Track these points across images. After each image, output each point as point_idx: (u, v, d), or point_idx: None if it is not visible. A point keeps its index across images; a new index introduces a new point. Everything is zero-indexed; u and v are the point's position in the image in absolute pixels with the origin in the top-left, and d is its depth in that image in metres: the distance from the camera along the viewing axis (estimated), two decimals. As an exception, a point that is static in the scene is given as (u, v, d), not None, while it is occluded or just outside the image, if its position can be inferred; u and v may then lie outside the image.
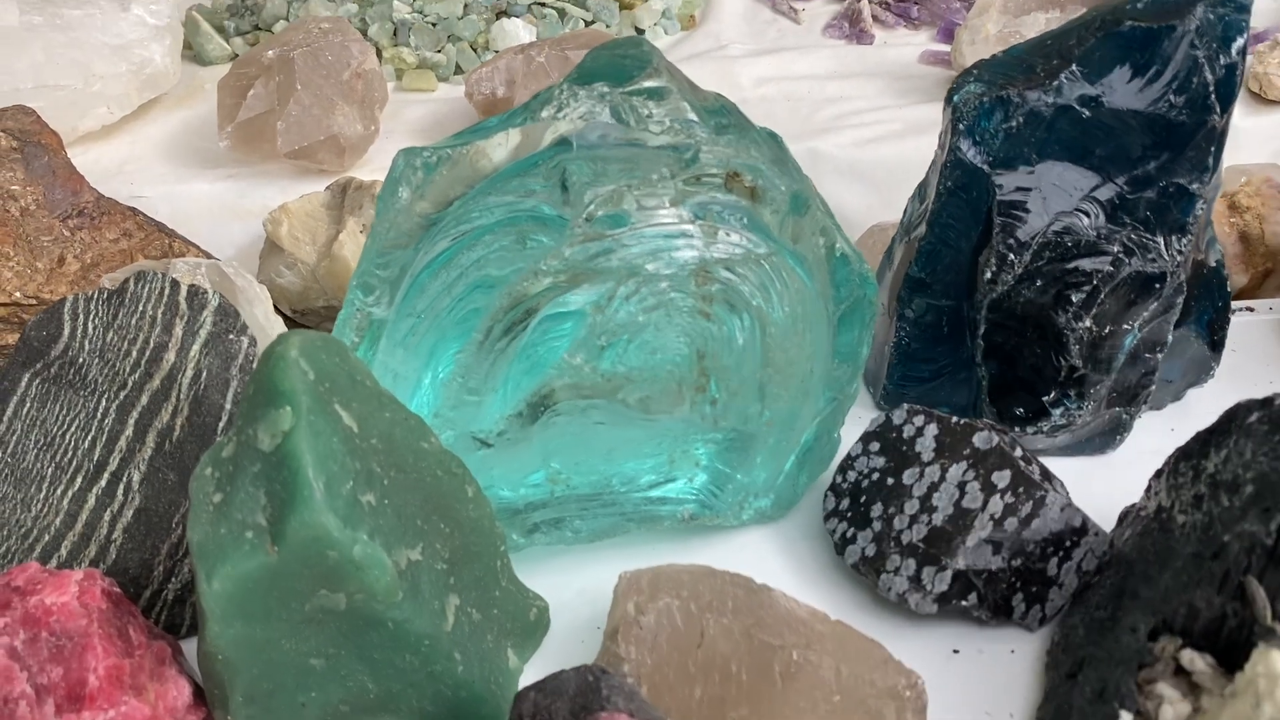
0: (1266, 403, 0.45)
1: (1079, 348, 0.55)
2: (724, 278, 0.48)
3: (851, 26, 0.98)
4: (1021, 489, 0.49)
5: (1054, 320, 0.55)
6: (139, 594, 0.50)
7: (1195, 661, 0.41)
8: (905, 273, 0.59)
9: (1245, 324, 0.69)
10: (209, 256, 0.72)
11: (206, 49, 0.96)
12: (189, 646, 0.48)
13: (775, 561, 0.54)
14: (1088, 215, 0.55)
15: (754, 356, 0.50)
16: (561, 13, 0.95)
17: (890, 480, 0.52)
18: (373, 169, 0.80)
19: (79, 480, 0.52)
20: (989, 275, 0.56)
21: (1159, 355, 0.57)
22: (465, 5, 0.94)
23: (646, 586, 0.46)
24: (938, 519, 0.49)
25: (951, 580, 0.49)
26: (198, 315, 0.53)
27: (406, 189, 0.47)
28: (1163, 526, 0.47)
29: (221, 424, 0.51)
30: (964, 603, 0.49)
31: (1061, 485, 0.52)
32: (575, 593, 0.52)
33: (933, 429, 0.52)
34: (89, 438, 0.52)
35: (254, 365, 0.46)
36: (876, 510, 0.52)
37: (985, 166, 0.55)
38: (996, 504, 0.49)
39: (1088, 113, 0.54)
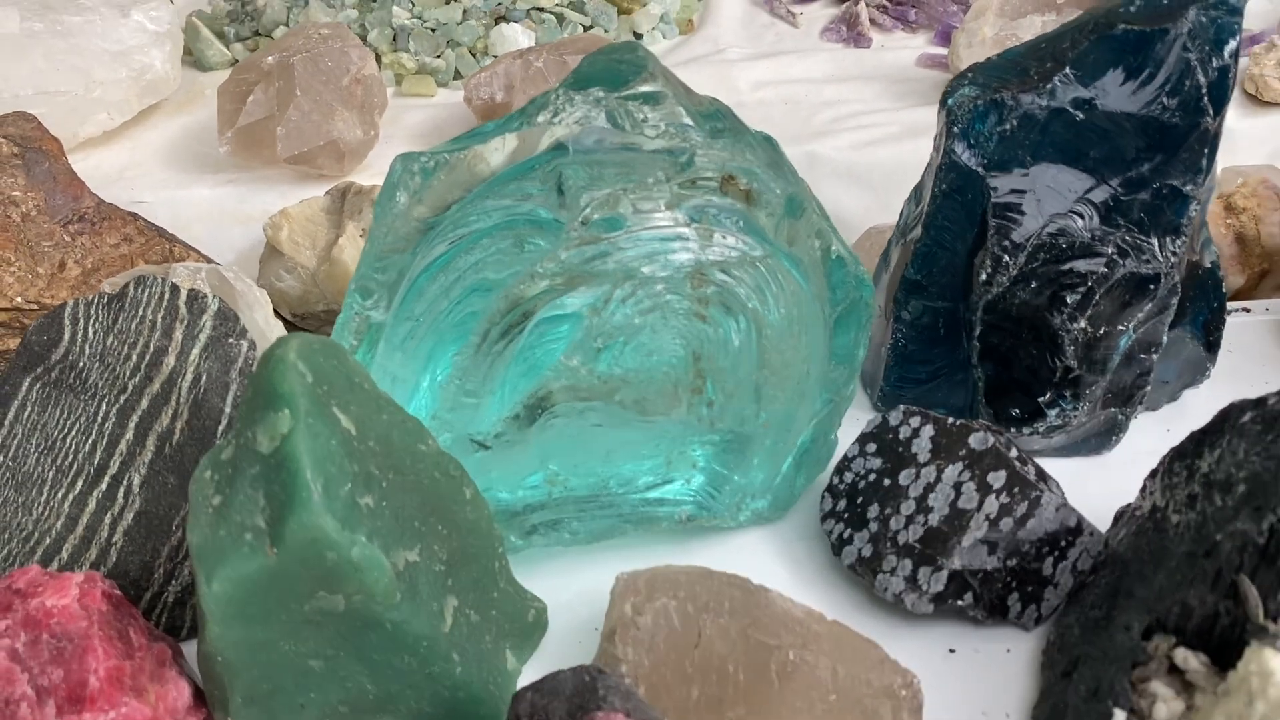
0: (1260, 403, 0.45)
1: (1074, 349, 0.55)
2: (719, 280, 0.48)
3: (849, 30, 0.99)
4: (1017, 489, 0.49)
5: (1049, 321, 0.55)
6: (139, 596, 0.50)
7: (1189, 660, 0.41)
8: (901, 275, 0.59)
9: (1241, 325, 0.69)
10: (209, 261, 0.72)
11: (207, 55, 0.97)
12: (190, 649, 0.48)
13: (772, 562, 0.55)
14: (1082, 217, 0.55)
15: (750, 358, 0.50)
16: (560, 18, 0.96)
17: (887, 481, 0.52)
18: (372, 174, 0.81)
19: (80, 484, 0.52)
20: (984, 277, 0.56)
21: (1154, 356, 0.58)
22: (464, 11, 0.94)
23: (644, 587, 0.46)
24: (934, 519, 0.50)
25: (947, 580, 0.49)
26: (197, 319, 0.53)
27: (404, 194, 0.47)
28: (1157, 526, 0.47)
29: (221, 427, 0.52)
30: (960, 602, 0.50)
31: (1057, 485, 0.52)
32: (573, 594, 0.52)
33: (929, 430, 0.52)
34: (89, 441, 0.53)
35: (253, 369, 0.47)
36: (873, 511, 0.52)
37: (980, 169, 0.55)
38: (992, 504, 0.49)
39: (1081, 115, 0.54)
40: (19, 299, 0.65)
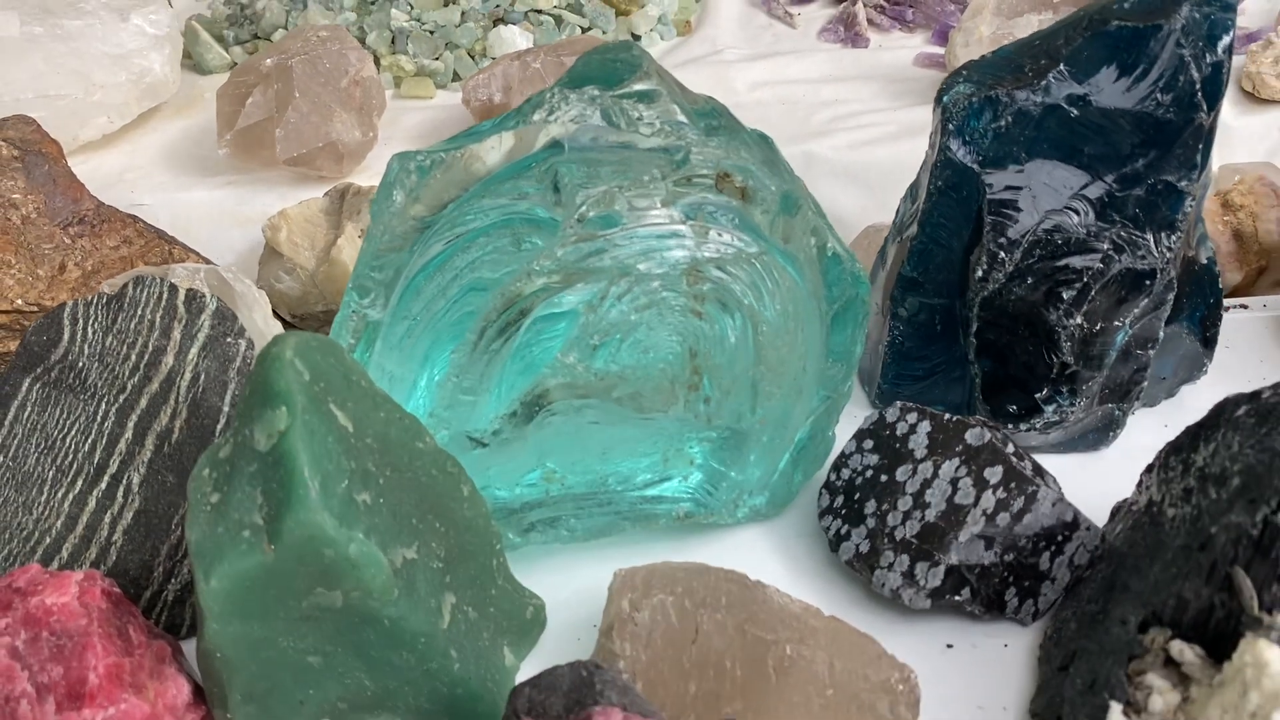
0: (1254, 396, 0.45)
1: (1070, 345, 0.56)
2: (715, 277, 0.48)
3: (847, 30, 0.99)
4: (1013, 484, 0.49)
5: (1045, 318, 0.55)
6: (139, 595, 0.51)
7: (1184, 652, 0.41)
8: (898, 272, 0.59)
9: (1239, 321, 0.69)
10: (208, 263, 0.72)
11: (206, 58, 0.97)
12: (189, 647, 0.48)
13: (770, 559, 0.55)
14: (1077, 213, 0.55)
15: (746, 355, 0.50)
16: (558, 19, 0.96)
17: (884, 477, 0.52)
18: (371, 175, 0.81)
19: (79, 483, 0.52)
20: (980, 273, 0.56)
21: (1150, 352, 0.58)
22: (463, 13, 0.95)
23: (641, 583, 0.46)
24: (931, 515, 0.50)
25: (944, 576, 0.49)
26: (196, 319, 0.54)
27: (401, 192, 0.48)
28: (1153, 520, 0.47)
29: (219, 426, 0.52)
30: (957, 598, 0.50)
31: (1054, 480, 0.52)
32: (571, 591, 0.53)
33: (925, 426, 0.52)
34: (89, 441, 0.53)
35: (251, 368, 0.47)
36: (870, 507, 0.52)
37: (975, 166, 0.55)
38: (989, 499, 0.49)
39: (1076, 111, 0.54)
40: (19, 301, 0.65)
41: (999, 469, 0.50)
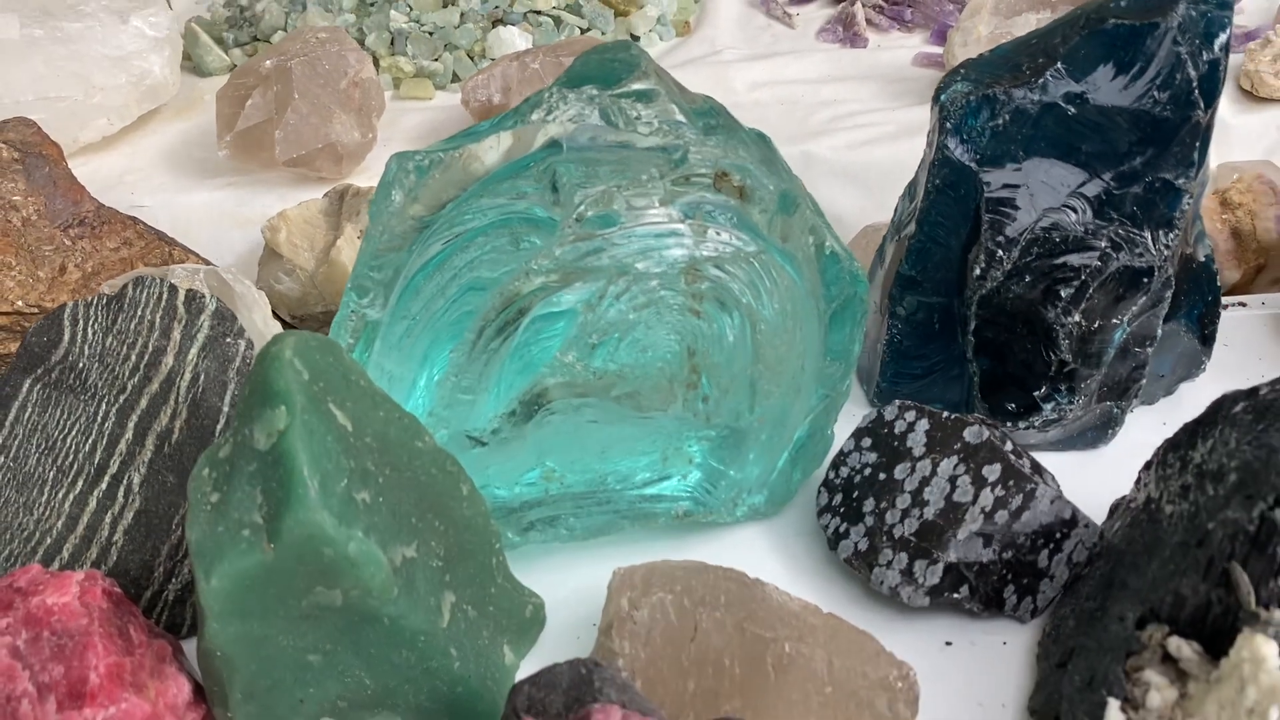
0: (1251, 393, 0.45)
1: (1068, 342, 0.56)
2: (713, 275, 0.48)
3: (845, 30, 0.99)
4: (1012, 482, 0.50)
5: (1043, 315, 0.56)
6: (140, 595, 0.51)
7: (1182, 648, 0.41)
8: (896, 271, 0.59)
9: (1237, 319, 0.69)
10: (208, 264, 0.72)
11: (205, 60, 0.97)
12: (190, 646, 0.48)
13: (769, 557, 0.55)
14: (1075, 211, 0.55)
15: (744, 353, 0.50)
16: (557, 20, 0.96)
17: (882, 475, 0.52)
18: (370, 176, 0.81)
19: (80, 483, 0.52)
20: (978, 272, 0.56)
21: (1149, 349, 0.58)
22: (461, 14, 0.95)
23: (640, 582, 0.47)
24: (929, 513, 0.50)
25: (943, 573, 0.49)
26: (195, 319, 0.54)
27: (399, 192, 0.48)
28: (1151, 517, 0.47)
29: (219, 426, 0.52)
30: (956, 595, 0.50)
31: (1052, 478, 0.52)
32: (571, 590, 0.53)
33: (924, 424, 0.52)
34: (89, 441, 0.53)
35: (251, 367, 0.47)
36: (869, 505, 0.52)
37: (973, 164, 0.55)
38: (987, 497, 0.49)
39: (1073, 110, 0.54)
40: (19, 303, 0.65)
41: (997, 467, 0.50)
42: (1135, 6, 0.54)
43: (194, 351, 0.53)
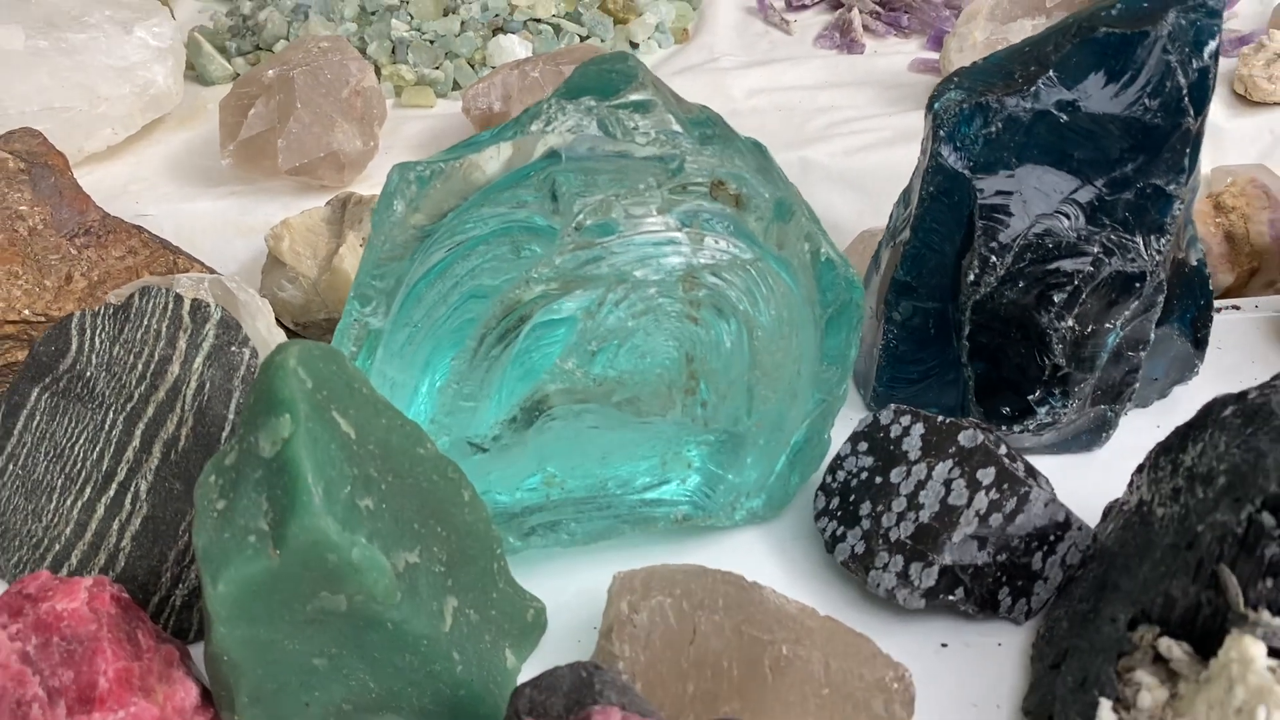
0: (1240, 397, 0.46)
1: (1062, 347, 0.56)
2: (711, 283, 0.49)
3: (842, 36, 1.00)
4: (1006, 485, 0.50)
5: (1037, 320, 0.56)
6: (147, 600, 0.51)
7: (1172, 649, 0.42)
8: (891, 277, 0.60)
9: (1231, 322, 0.70)
10: (212, 272, 0.73)
11: (209, 69, 0.98)
12: (197, 651, 0.49)
13: (767, 560, 0.56)
14: (1068, 217, 0.56)
15: (742, 359, 0.51)
16: (557, 28, 0.97)
17: (878, 479, 0.53)
18: (372, 184, 0.82)
19: (88, 490, 0.53)
20: (972, 278, 0.57)
21: (1142, 353, 0.58)
22: (462, 22, 0.96)
23: (640, 586, 0.47)
24: (924, 516, 0.51)
25: (938, 576, 0.50)
26: (201, 328, 0.55)
27: (401, 202, 0.49)
28: (1143, 519, 0.48)
29: (225, 434, 0.53)
30: (951, 597, 0.51)
31: (1046, 481, 0.53)
32: (572, 594, 0.53)
33: (919, 428, 0.53)
34: (97, 449, 0.54)
35: (255, 376, 0.48)
36: (865, 508, 0.53)
37: (966, 171, 0.56)
38: (982, 500, 0.50)
39: (1065, 117, 0.55)
40: (26, 312, 0.66)
41: (991, 470, 0.50)
42: (1126, 15, 0.55)
43: (199, 360, 0.54)
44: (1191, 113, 0.54)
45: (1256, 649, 0.38)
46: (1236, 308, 0.71)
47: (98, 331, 0.56)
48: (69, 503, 0.53)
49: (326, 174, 0.80)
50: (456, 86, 0.95)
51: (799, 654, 0.46)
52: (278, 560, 0.39)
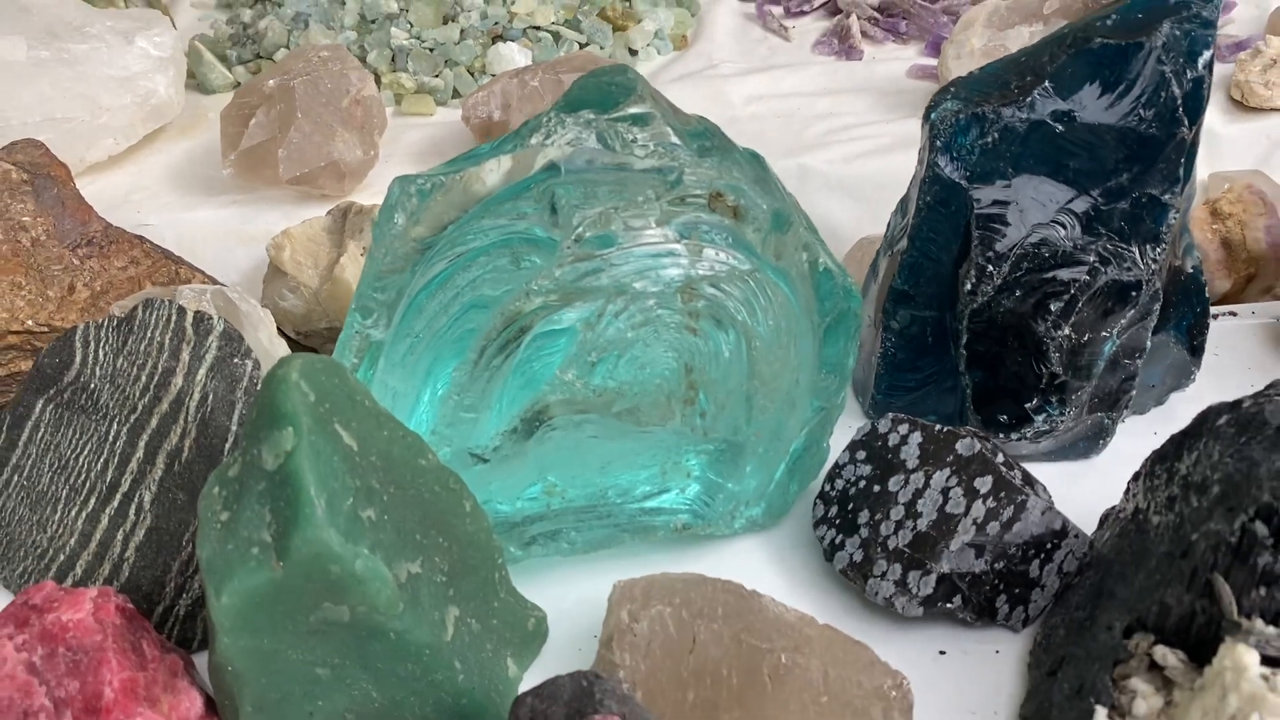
0: (1234, 406, 0.46)
1: (1059, 355, 0.57)
2: (709, 294, 0.50)
3: (841, 43, 1.00)
4: (1003, 494, 0.51)
5: (1034, 329, 0.57)
6: (152, 610, 0.52)
7: (1167, 657, 0.42)
8: (889, 285, 0.60)
9: (1228, 328, 0.70)
10: (214, 282, 0.74)
11: (210, 78, 0.98)
12: (201, 660, 0.49)
13: (766, 569, 0.56)
14: (1064, 226, 0.57)
15: (740, 369, 0.51)
16: (556, 36, 0.97)
17: (876, 487, 0.53)
18: (373, 193, 0.82)
19: (92, 501, 0.54)
20: (969, 286, 0.57)
21: (1138, 361, 0.59)
22: (462, 30, 0.96)
23: (640, 595, 0.48)
24: (922, 524, 0.51)
25: (936, 583, 0.50)
26: (204, 340, 0.55)
27: (402, 215, 0.49)
28: (1139, 528, 0.48)
29: (228, 445, 0.53)
30: (949, 605, 0.51)
31: (1044, 489, 0.53)
32: (572, 603, 0.54)
33: (917, 437, 0.54)
34: (101, 460, 0.54)
35: (258, 388, 0.48)
36: (863, 517, 0.53)
37: (963, 181, 0.57)
38: (979, 509, 0.50)
39: (1061, 127, 0.55)
40: (30, 322, 0.66)
41: (989, 479, 0.51)
42: (1121, 25, 0.55)
43: (202, 372, 0.54)
44: (1186, 123, 0.55)
45: (1250, 657, 0.38)
46: (1233, 314, 0.71)
47: (101, 343, 0.56)
48: (73, 513, 0.53)
49: (327, 183, 0.80)
50: (456, 94, 0.96)
51: (798, 662, 0.46)
52: (281, 572, 0.40)
